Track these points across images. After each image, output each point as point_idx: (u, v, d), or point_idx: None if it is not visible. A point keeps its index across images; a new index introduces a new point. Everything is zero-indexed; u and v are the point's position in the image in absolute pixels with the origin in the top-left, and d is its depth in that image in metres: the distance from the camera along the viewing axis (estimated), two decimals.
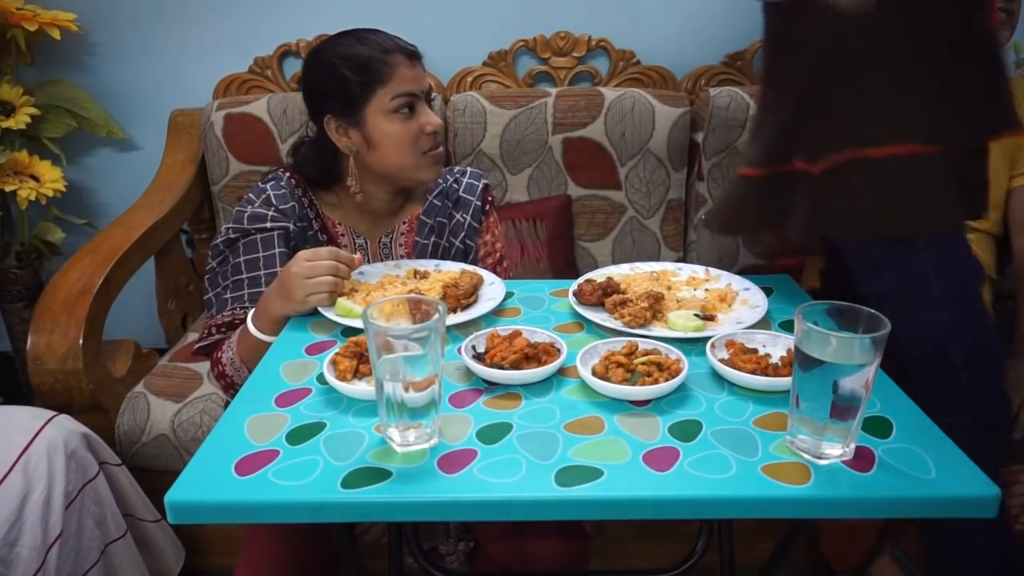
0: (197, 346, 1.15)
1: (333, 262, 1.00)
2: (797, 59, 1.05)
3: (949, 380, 1.05)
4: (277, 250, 1.14)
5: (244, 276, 1.14)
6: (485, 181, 1.30)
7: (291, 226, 1.16)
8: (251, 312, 1.06)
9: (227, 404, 1.03)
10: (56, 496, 1.17)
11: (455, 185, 1.27)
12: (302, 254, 1.01)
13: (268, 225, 1.14)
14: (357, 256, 1.05)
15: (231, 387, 1.10)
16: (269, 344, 0.97)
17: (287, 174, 1.21)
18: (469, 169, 1.31)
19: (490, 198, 1.30)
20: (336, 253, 1.01)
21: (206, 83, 1.94)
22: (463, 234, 1.25)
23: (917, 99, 0.98)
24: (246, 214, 1.15)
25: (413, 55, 1.14)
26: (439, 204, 1.25)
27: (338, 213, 1.23)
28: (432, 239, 1.24)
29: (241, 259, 1.15)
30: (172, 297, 1.88)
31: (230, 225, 1.16)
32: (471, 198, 1.27)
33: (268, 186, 1.19)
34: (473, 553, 1.21)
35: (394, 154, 1.13)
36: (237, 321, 1.12)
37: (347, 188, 1.18)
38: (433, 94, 1.21)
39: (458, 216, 1.26)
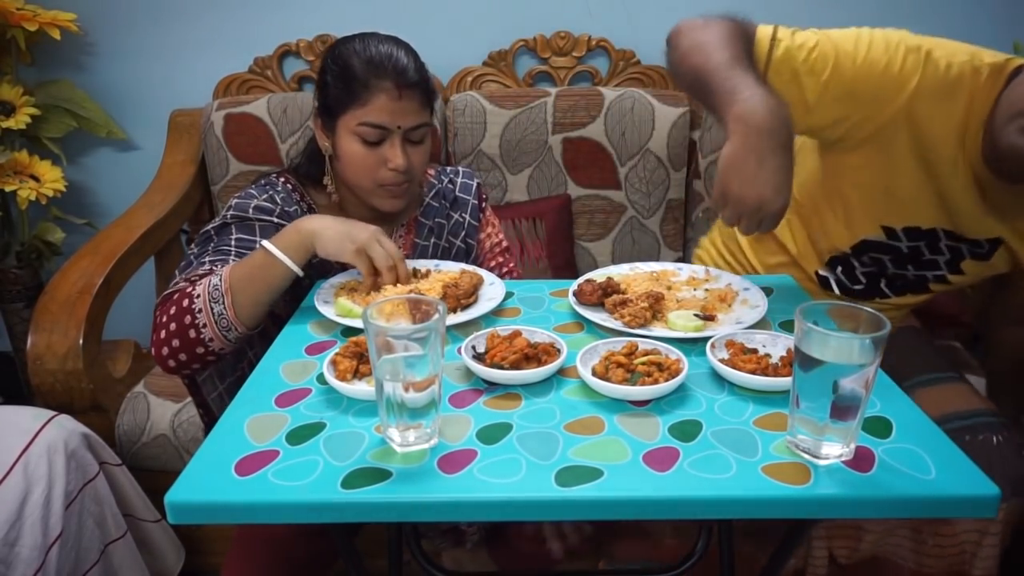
0: (161, 296, 1.03)
1: (395, 262, 1.00)
2: None
3: None
4: None
5: (233, 249, 1.07)
6: (477, 180, 1.31)
7: None
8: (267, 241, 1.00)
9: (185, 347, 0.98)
10: (56, 496, 1.17)
11: (450, 185, 1.27)
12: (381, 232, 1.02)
13: (273, 219, 1.11)
14: (403, 277, 1.03)
15: (186, 329, 0.97)
16: (276, 270, 0.96)
17: (281, 179, 1.18)
18: (461, 169, 1.32)
19: (484, 195, 1.31)
20: (401, 259, 1.02)
21: (206, 83, 1.94)
22: (464, 233, 1.26)
23: None
24: (251, 204, 1.11)
25: (409, 86, 1.07)
26: (436, 205, 1.25)
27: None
28: (432, 240, 1.23)
29: (232, 237, 1.08)
30: None
31: (230, 212, 1.10)
32: (467, 197, 1.27)
33: (268, 187, 1.16)
34: (494, 527, 1.20)
35: (352, 174, 1.12)
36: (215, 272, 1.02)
37: (337, 191, 1.18)
38: (422, 131, 1.11)
39: (456, 216, 1.26)
